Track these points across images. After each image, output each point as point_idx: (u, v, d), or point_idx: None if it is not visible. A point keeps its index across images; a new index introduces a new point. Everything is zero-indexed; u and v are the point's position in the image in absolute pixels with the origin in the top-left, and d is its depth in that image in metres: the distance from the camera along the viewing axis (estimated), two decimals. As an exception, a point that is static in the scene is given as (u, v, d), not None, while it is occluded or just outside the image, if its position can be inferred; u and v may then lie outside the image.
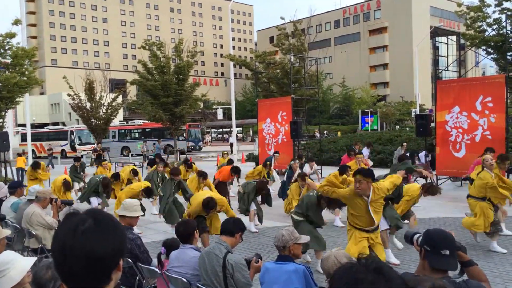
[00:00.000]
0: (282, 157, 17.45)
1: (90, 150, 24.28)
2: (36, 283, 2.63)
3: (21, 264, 2.91)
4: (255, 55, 21.42)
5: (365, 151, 15.50)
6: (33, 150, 39.03)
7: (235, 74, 30.82)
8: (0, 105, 17.22)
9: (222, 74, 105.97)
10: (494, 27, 16.89)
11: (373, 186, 5.29)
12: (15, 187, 7.30)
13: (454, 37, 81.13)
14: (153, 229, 9.60)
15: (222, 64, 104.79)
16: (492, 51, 17.43)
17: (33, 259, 3.11)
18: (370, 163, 13.19)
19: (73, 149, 37.08)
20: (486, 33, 17.03)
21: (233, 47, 36.56)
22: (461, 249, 2.66)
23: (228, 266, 3.84)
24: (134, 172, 11.40)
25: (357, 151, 12.77)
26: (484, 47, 17.75)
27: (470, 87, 12.40)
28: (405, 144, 17.77)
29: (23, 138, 33.08)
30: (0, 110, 17.58)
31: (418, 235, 2.79)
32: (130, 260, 4.61)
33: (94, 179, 10.80)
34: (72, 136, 38.13)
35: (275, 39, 25.17)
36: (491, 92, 11.88)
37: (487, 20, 17.10)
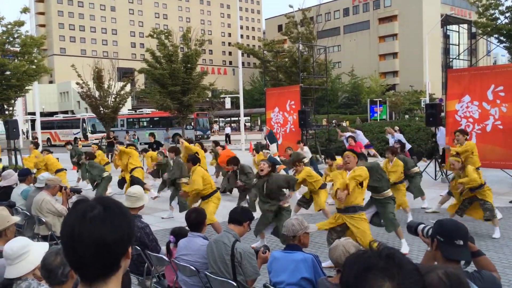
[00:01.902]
0: (290, 146, 17.43)
1: (101, 138, 24.42)
2: (45, 269, 2.65)
3: (37, 248, 2.97)
4: (263, 44, 21.30)
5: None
6: (48, 138, 39.60)
7: (243, 63, 30.70)
8: (9, 93, 17.29)
9: (230, 63, 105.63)
10: (507, 15, 16.59)
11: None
12: (25, 175, 7.37)
13: (465, 25, 79.78)
14: (160, 217, 9.65)
15: (230, 53, 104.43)
16: (504, 40, 17.16)
17: (46, 243, 3.15)
18: None
19: (85, 137, 37.38)
20: (498, 21, 16.76)
21: (241, 36, 36.38)
22: (470, 239, 2.63)
23: (237, 254, 3.85)
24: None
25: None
26: (496, 36, 17.46)
27: (481, 76, 12.21)
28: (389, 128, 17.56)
29: (43, 126, 33.65)
30: (9, 98, 17.65)
31: (423, 225, 2.75)
32: (139, 248, 4.64)
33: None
34: (84, 124, 38.37)
35: (283, 28, 24.96)
36: (503, 81, 11.69)
37: (500, 8, 16.79)
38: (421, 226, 2.76)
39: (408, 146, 14.18)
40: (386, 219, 6.83)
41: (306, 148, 13.38)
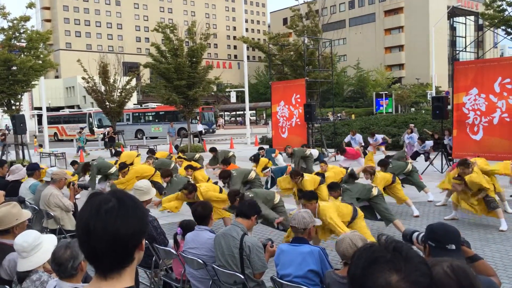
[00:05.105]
0: (296, 140, 17.44)
1: (105, 132, 24.50)
2: (55, 263, 2.69)
3: (48, 240, 3.02)
4: (268, 37, 21.18)
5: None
6: (55, 133, 39.86)
7: (248, 57, 30.63)
8: (16, 89, 17.38)
9: (235, 56, 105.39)
10: (515, 6, 16.45)
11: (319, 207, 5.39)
12: (33, 169, 7.42)
13: (472, 17, 79.19)
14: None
15: (235, 47, 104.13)
16: (511, 31, 17.03)
17: (54, 236, 3.21)
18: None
19: (92, 131, 37.56)
20: (506, 13, 16.61)
21: (246, 29, 36.27)
22: (465, 244, 2.59)
23: (245, 247, 3.88)
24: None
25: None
26: (503, 27, 17.33)
27: (488, 69, 12.13)
28: (411, 125, 17.72)
29: (50, 121, 33.45)
30: (16, 94, 17.75)
31: (417, 232, 2.72)
32: (147, 241, 4.67)
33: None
34: (91, 119, 38.51)
35: (288, 21, 24.84)
36: (510, 74, 11.60)
37: (507, -1, 16.66)
38: (416, 233, 2.72)
39: (428, 143, 14.11)
40: (380, 215, 6.91)
41: (314, 151, 13.32)
